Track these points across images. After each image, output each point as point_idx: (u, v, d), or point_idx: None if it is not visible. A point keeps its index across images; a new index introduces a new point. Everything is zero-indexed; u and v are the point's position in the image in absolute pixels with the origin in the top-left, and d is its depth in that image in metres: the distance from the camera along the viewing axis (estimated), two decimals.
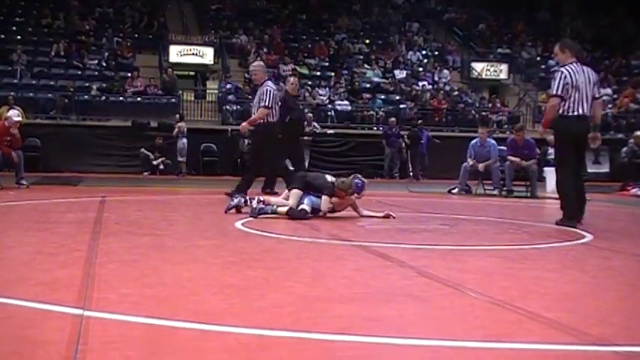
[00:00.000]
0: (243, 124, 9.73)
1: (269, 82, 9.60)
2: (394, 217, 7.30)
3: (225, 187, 13.26)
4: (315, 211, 7.21)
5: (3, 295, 3.21)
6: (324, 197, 7.21)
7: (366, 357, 2.49)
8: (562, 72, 6.97)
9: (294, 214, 7.02)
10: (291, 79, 12.08)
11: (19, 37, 22.81)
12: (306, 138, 19.18)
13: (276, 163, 9.78)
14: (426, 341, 2.67)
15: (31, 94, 19.64)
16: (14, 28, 23.55)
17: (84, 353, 2.37)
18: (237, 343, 2.59)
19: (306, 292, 3.55)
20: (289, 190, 7.40)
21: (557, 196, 7.55)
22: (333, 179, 7.35)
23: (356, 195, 7.27)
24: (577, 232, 6.44)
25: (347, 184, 7.19)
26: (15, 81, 20.32)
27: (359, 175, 7.44)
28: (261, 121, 9.31)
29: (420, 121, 19.81)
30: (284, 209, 7.11)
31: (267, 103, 9.22)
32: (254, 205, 7.13)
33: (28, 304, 3.08)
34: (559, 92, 6.89)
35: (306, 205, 7.17)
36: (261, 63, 10.54)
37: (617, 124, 23.00)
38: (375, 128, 21.46)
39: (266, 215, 7.03)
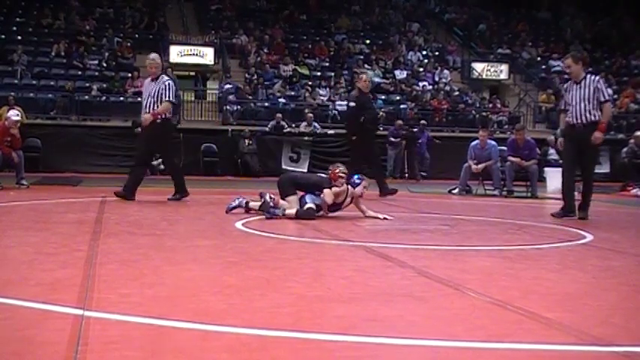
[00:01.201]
0: (146, 115, 8.88)
1: (165, 77, 9.30)
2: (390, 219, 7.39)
3: (227, 187, 13.29)
4: (319, 208, 7.28)
5: (3, 295, 3.21)
6: (326, 191, 7.28)
7: (366, 357, 2.48)
8: (602, 79, 8.04)
9: (302, 214, 7.08)
10: (363, 76, 11.37)
11: (19, 37, 22.82)
12: (305, 138, 19.26)
13: (139, 162, 9.32)
14: (426, 341, 2.67)
15: (31, 95, 19.63)
16: (14, 28, 23.56)
17: (84, 353, 2.37)
18: (238, 343, 2.59)
19: (307, 293, 3.55)
20: (283, 199, 7.41)
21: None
22: (325, 175, 7.51)
23: (358, 190, 7.40)
24: (578, 232, 6.45)
25: (337, 165, 7.53)
26: (15, 81, 20.31)
27: (358, 175, 7.56)
28: (161, 115, 8.94)
29: (422, 122, 19.80)
30: (292, 211, 7.14)
31: (171, 98, 8.97)
32: (267, 199, 7.16)
33: (29, 304, 3.07)
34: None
35: (310, 204, 7.23)
36: (157, 55, 9.66)
37: (618, 124, 22.99)
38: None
39: (276, 218, 7.03)
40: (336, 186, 7.35)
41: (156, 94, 8.92)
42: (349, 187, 7.42)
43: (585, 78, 7.75)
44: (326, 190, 7.30)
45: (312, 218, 7.07)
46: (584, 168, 7.99)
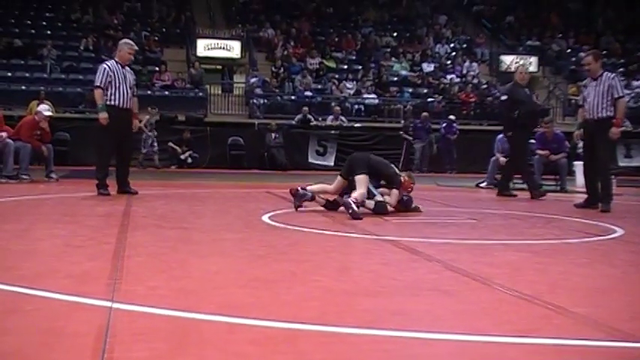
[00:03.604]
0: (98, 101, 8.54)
1: (107, 61, 8.83)
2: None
3: (253, 180, 13.34)
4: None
5: (32, 286, 3.25)
6: (394, 192, 7.13)
7: (392, 351, 2.47)
8: (617, 76, 8.27)
9: (381, 209, 6.91)
10: (520, 67, 10.67)
11: (48, 32, 23.14)
12: (332, 132, 19.24)
13: (107, 150, 8.73)
14: (453, 335, 2.65)
15: (60, 89, 19.89)
16: (44, 23, 23.88)
17: (112, 345, 2.39)
18: (264, 335, 2.60)
19: (333, 286, 3.54)
20: (346, 178, 7.09)
21: (586, 190, 8.43)
22: (398, 172, 7.38)
23: (398, 205, 7.26)
24: (607, 226, 6.36)
25: (412, 176, 7.53)
26: (45, 75, 20.60)
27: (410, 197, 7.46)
28: (109, 102, 8.50)
29: (451, 117, 19.67)
30: (371, 203, 6.93)
31: (96, 82, 8.59)
32: (354, 209, 6.57)
33: (57, 296, 3.11)
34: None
35: (380, 197, 7.01)
36: (127, 41, 9.14)
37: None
38: (402, 122, 21.39)
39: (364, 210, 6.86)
40: (402, 194, 7.23)
41: (130, 81, 8.70)
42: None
43: (602, 75, 8.13)
44: (394, 192, 7.13)
45: (386, 212, 6.90)
46: (599, 161, 8.20)
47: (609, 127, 7.98)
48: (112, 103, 8.57)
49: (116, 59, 8.80)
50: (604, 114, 8.01)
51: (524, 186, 12.11)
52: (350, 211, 6.55)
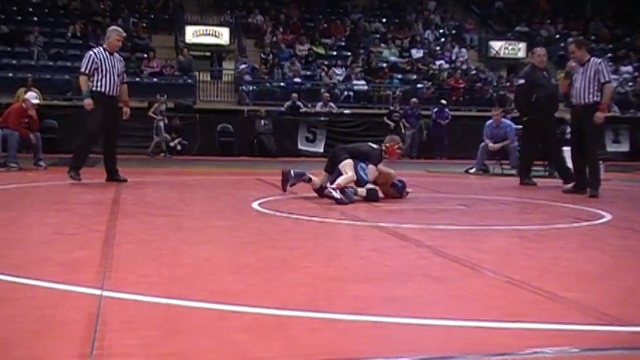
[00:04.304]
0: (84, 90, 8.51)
1: (94, 48, 8.90)
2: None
3: (242, 167, 13.31)
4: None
5: (23, 275, 3.24)
6: (370, 167, 7.13)
7: (383, 337, 2.48)
8: (603, 61, 8.27)
9: (370, 196, 6.91)
10: (538, 49, 10.33)
11: (35, 18, 22.90)
12: (322, 118, 19.21)
13: (92, 137, 8.68)
14: (443, 321, 2.66)
15: (47, 76, 19.72)
16: (30, 9, 23.63)
17: (102, 333, 2.39)
18: (255, 322, 2.60)
19: (323, 273, 3.55)
20: (330, 171, 7.14)
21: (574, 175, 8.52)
22: (376, 145, 7.35)
23: (390, 189, 7.32)
24: (596, 211, 6.39)
25: (396, 139, 7.45)
26: (32, 62, 20.42)
27: (403, 182, 7.46)
28: (95, 89, 8.47)
29: (442, 101, 19.65)
30: (363, 192, 6.93)
31: (81, 68, 8.57)
32: (337, 196, 6.66)
33: (48, 284, 3.11)
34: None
35: (371, 184, 7.01)
36: (115, 28, 9.08)
37: (638, 102, 22.70)
38: (391, 107, 21.38)
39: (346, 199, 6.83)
40: (389, 160, 7.26)
41: (119, 69, 8.65)
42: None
43: (589, 61, 8.15)
44: (371, 167, 7.12)
45: (375, 200, 6.89)
46: (587, 147, 8.24)
47: (596, 112, 8.00)
48: (99, 89, 8.51)
49: (104, 46, 8.74)
50: (591, 99, 8.03)
51: (513, 172, 12.18)
52: (334, 199, 6.61)
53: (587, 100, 8.05)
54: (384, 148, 7.31)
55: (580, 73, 8.16)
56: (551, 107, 9.57)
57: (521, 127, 10.39)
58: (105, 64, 8.50)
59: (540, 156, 10.06)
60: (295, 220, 5.66)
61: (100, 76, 8.50)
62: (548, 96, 9.47)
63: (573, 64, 8.33)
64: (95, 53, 8.56)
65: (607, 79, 8.06)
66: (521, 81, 9.94)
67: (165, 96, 18.07)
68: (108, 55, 8.58)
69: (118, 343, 2.30)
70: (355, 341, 2.42)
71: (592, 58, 8.20)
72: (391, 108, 19.54)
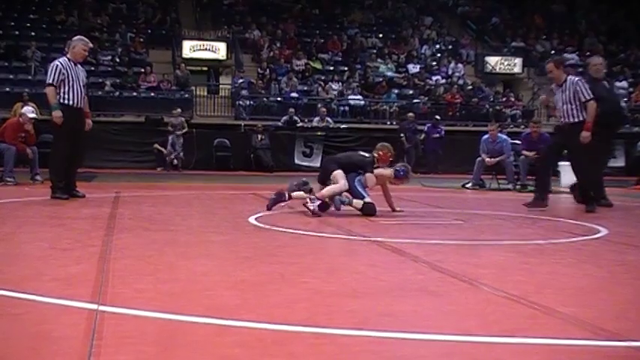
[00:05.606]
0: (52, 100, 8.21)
1: (59, 58, 8.45)
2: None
3: (239, 182, 13.31)
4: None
5: (18, 290, 3.23)
6: (368, 176, 7.14)
7: (381, 352, 2.48)
8: (581, 80, 8.07)
9: (366, 210, 6.89)
10: (593, 58, 9.47)
11: (33, 33, 22.96)
12: (318, 133, 19.24)
13: (62, 151, 8.22)
14: (440, 336, 2.66)
15: (44, 91, 19.69)
16: (28, 24, 23.70)
17: (99, 348, 2.38)
18: (252, 338, 2.59)
19: (321, 288, 3.54)
20: (324, 182, 7.18)
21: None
22: (367, 154, 7.39)
23: (395, 180, 7.36)
24: (592, 226, 6.40)
25: (387, 146, 7.42)
26: (29, 77, 20.44)
27: (407, 165, 7.54)
28: (62, 101, 8.15)
29: (436, 117, 19.75)
30: (359, 204, 6.95)
31: (48, 79, 8.24)
32: (310, 208, 6.81)
33: (44, 299, 3.09)
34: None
35: (368, 197, 6.99)
36: (81, 37, 8.70)
37: (633, 117, 22.79)
38: (388, 123, 21.43)
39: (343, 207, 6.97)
40: (381, 167, 7.26)
41: (82, 80, 8.38)
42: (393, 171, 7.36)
43: (566, 81, 8.07)
44: (368, 175, 7.14)
45: (372, 214, 6.87)
46: (576, 166, 8.26)
47: (582, 131, 7.88)
48: (66, 102, 8.18)
49: (68, 56, 8.37)
50: (576, 119, 7.95)
51: (509, 187, 12.20)
52: (308, 210, 6.77)
53: (573, 119, 7.98)
54: (375, 155, 7.35)
55: (559, 93, 8.09)
56: (617, 122, 8.85)
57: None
58: (70, 75, 8.20)
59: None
60: (292, 235, 5.66)
61: (67, 88, 8.19)
62: (612, 109, 8.63)
63: (544, 96, 8.40)
64: (61, 63, 8.21)
65: (587, 97, 7.91)
66: None
67: (179, 109, 18.26)
68: (73, 65, 8.27)
69: (115, 359, 2.29)
70: (354, 356, 2.41)
71: (569, 77, 8.09)
72: (402, 124, 19.47)
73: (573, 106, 7.95)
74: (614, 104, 8.85)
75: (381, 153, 7.35)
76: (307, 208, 6.84)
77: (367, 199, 7.01)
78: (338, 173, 7.07)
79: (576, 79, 8.16)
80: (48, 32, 23.24)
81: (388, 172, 7.34)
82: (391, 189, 7.63)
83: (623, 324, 2.89)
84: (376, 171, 7.26)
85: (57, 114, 8.18)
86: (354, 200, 6.97)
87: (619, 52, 27.29)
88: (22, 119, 11.52)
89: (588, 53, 26.33)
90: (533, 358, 2.37)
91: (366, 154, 7.40)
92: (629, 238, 5.91)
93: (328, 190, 6.97)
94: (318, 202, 6.86)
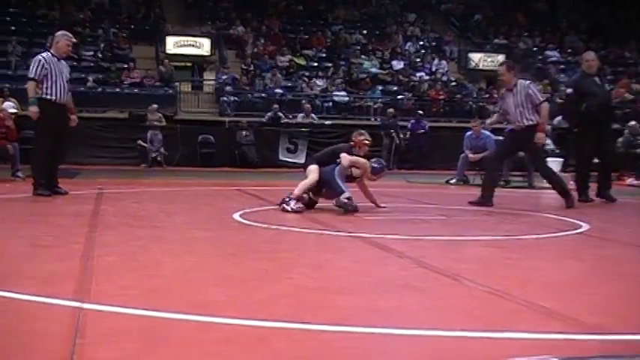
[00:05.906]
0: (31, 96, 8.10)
1: (42, 53, 8.35)
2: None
3: (224, 178, 13.28)
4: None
5: (0, 288, 3.20)
6: (343, 155, 7.15)
7: (365, 348, 2.48)
8: (532, 83, 8.22)
9: (343, 205, 6.83)
10: (586, 54, 9.38)
11: (13, 27, 22.72)
12: (303, 129, 19.22)
13: (43, 147, 8.13)
14: (425, 331, 2.67)
15: (25, 86, 19.51)
16: (8, 19, 23.45)
17: (82, 346, 2.36)
18: (237, 334, 2.59)
19: (305, 284, 3.55)
20: (305, 169, 7.28)
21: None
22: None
23: (372, 176, 7.41)
24: (574, 221, 6.46)
25: (363, 132, 7.49)
26: (10, 72, 20.25)
27: (381, 160, 7.57)
28: (45, 96, 8.07)
29: (420, 112, 19.80)
30: (341, 201, 6.89)
31: (30, 73, 8.13)
32: (288, 209, 6.84)
33: (26, 297, 3.06)
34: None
35: (347, 192, 6.91)
36: (64, 32, 8.59)
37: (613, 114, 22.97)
38: (372, 119, 21.46)
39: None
40: (357, 155, 7.28)
41: (66, 75, 8.29)
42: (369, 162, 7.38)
43: (516, 85, 8.06)
44: (343, 155, 7.16)
45: (355, 210, 6.81)
46: (538, 168, 8.36)
47: (536, 133, 7.94)
48: (48, 97, 8.08)
49: (52, 51, 8.28)
50: (530, 122, 7.95)
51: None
52: (287, 211, 6.81)
53: (526, 122, 7.96)
54: (352, 141, 7.42)
55: (510, 97, 8.03)
56: (604, 117, 8.78)
57: (573, 139, 9.64)
58: (53, 70, 8.08)
59: (595, 169, 9.05)
60: (276, 231, 5.65)
61: (49, 83, 8.07)
62: (599, 105, 8.62)
63: (490, 120, 8.71)
64: (44, 58, 8.09)
65: (540, 99, 7.99)
66: (569, 90, 9.16)
67: (156, 106, 18.05)
68: (56, 60, 8.16)
69: (98, 356, 2.28)
70: (339, 352, 2.42)
71: (519, 82, 8.06)
72: (386, 120, 19.51)
73: (525, 109, 7.94)
74: (602, 100, 8.75)
75: (357, 140, 7.41)
76: (286, 210, 6.86)
77: (346, 194, 6.98)
78: (310, 168, 7.18)
79: (527, 82, 8.15)
80: (29, 27, 23.00)
81: (363, 161, 7.32)
82: (373, 185, 7.65)
83: (605, 318, 2.92)
84: (352, 157, 7.26)
85: (34, 109, 8.11)
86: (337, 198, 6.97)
87: (599, 50, 27.47)
88: (2, 114, 11.41)
89: (570, 50, 26.58)
90: (518, 352, 2.39)
91: (339, 146, 7.55)
92: (609, 234, 5.97)
93: (300, 187, 7.03)
94: (294, 202, 6.92)
